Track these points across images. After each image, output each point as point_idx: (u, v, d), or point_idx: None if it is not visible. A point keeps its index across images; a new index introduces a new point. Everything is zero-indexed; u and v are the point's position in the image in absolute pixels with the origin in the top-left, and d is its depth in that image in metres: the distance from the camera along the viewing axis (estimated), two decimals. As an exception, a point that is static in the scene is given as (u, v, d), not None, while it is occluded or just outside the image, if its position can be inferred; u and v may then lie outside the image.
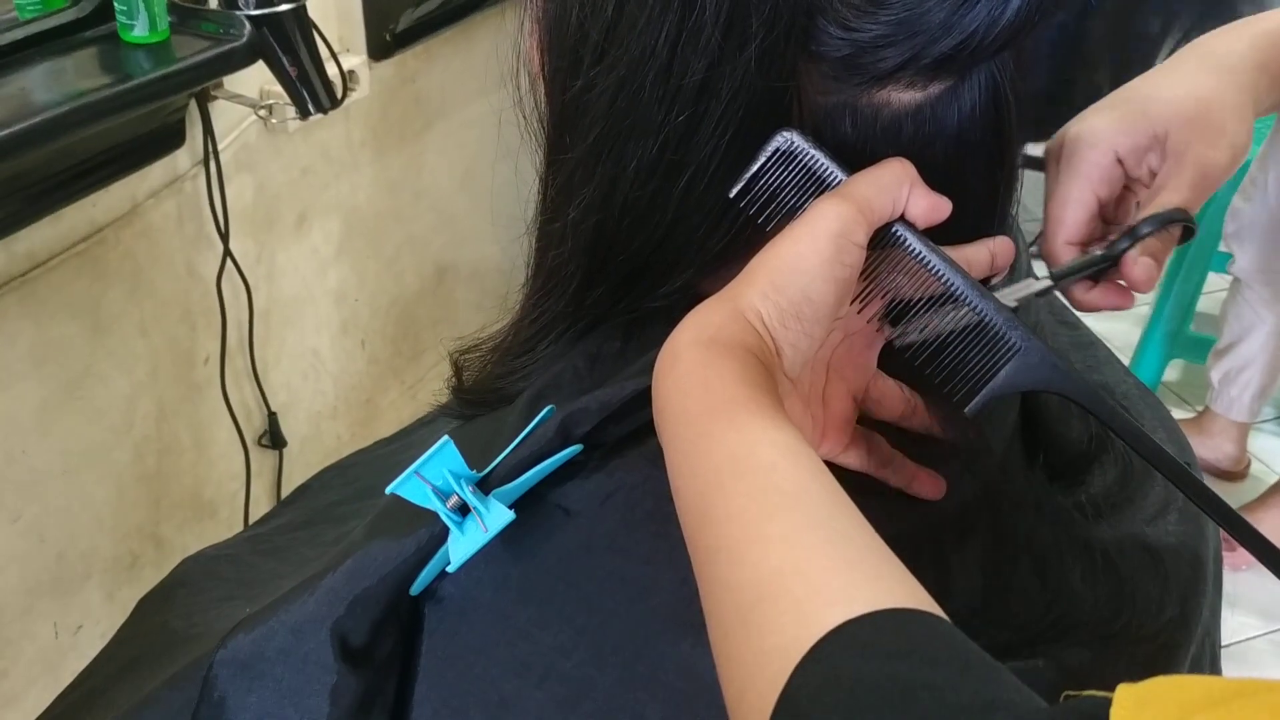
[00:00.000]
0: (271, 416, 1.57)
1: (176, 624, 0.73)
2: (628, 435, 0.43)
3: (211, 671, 0.47)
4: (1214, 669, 0.56)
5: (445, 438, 0.41)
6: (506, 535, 0.40)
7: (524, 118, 0.50)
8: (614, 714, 0.40)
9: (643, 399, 0.44)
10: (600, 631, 0.41)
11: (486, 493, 0.41)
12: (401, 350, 1.87)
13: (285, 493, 1.65)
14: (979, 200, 0.44)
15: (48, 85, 1.09)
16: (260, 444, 1.58)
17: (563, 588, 0.41)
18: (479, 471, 0.41)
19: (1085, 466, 0.54)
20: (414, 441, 0.89)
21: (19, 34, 1.09)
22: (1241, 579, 1.67)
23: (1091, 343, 0.62)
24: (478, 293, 2.03)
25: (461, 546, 0.39)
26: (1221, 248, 1.92)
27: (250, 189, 1.46)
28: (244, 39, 1.15)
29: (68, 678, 0.72)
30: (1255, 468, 2.10)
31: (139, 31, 1.12)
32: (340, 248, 1.65)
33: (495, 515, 0.39)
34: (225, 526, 1.56)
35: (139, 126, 1.21)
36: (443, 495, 0.40)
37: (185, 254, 1.38)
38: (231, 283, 1.42)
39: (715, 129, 0.41)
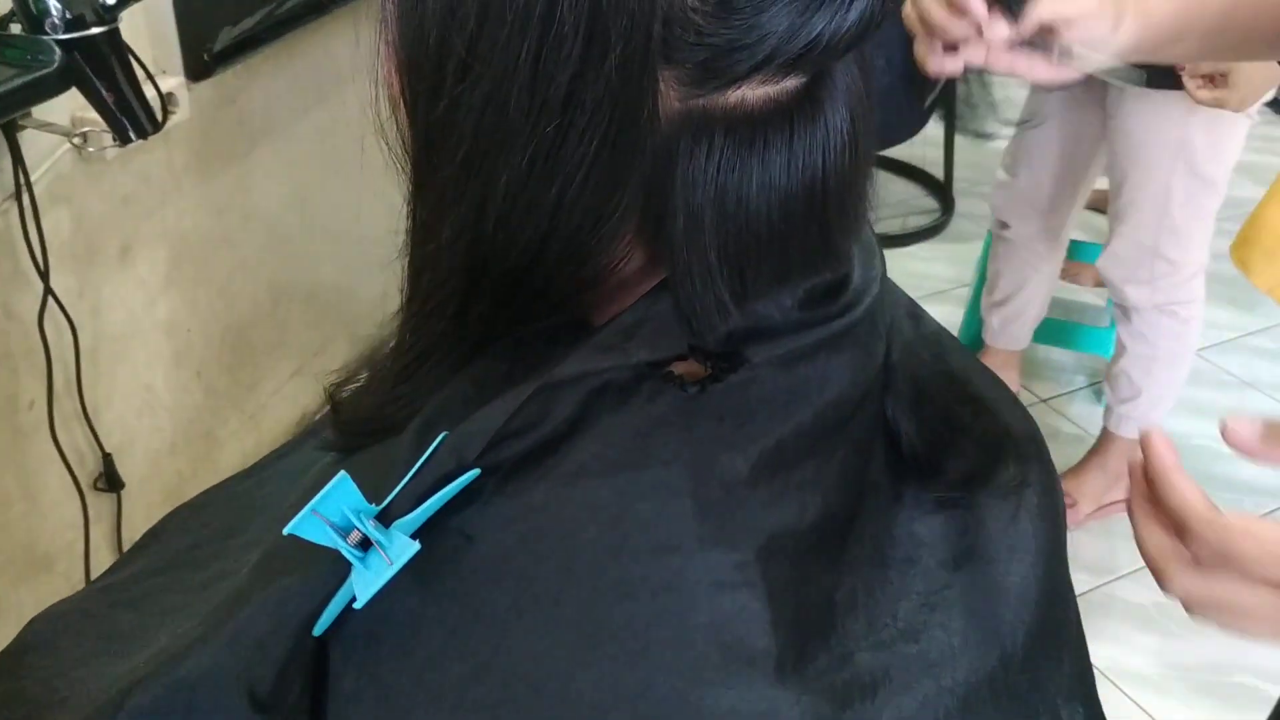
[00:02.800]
0: (106, 458, 1.50)
1: (34, 691, 0.69)
2: (524, 456, 0.43)
3: None
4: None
5: (342, 473, 0.41)
6: (408, 566, 0.40)
7: (386, 144, 0.49)
8: None
9: (531, 417, 0.44)
10: (508, 658, 0.41)
11: (386, 525, 0.40)
12: (240, 379, 1.80)
13: (127, 537, 1.57)
14: (840, 189, 0.46)
15: None
16: (96, 488, 1.50)
17: (468, 616, 0.41)
18: (376, 505, 0.41)
19: (935, 455, 0.56)
20: (268, 477, 0.86)
21: None
22: (1074, 538, 1.79)
23: (937, 333, 0.65)
24: (315, 313, 1.98)
25: (367, 581, 0.38)
26: (996, 217, 2.14)
27: (67, 221, 1.38)
28: (54, 65, 1.09)
29: (-96, 757, 0.68)
30: (1073, 430, 2.25)
31: (-64, 60, 1.05)
32: (168, 277, 1.59)
33: (399, 547, 0.39)
34: (64, 579, 1.47)
35: (-59, 161, 1.14)
36: (342, 531, 0.39)
37: (1, 294, 1.30)
38: (54, 321, 1.34)
39: (582, 138, 0.41)
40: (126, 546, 1.57)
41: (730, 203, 0.43)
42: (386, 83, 0.47)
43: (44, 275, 1.30)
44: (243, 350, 1.79)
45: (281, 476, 0.88)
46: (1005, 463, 0.57)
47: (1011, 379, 2.27)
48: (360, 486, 0.42)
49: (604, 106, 0.41)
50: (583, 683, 0.40)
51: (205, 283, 1.67)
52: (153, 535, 0.88)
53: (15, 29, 1.14)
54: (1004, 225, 2.12)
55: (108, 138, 1.35)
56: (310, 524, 0.39)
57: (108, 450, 1.49)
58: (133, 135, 1.22)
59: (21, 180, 1.24)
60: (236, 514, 0.85)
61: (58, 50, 1.10)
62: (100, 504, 1.51)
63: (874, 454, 0.54)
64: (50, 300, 1.32)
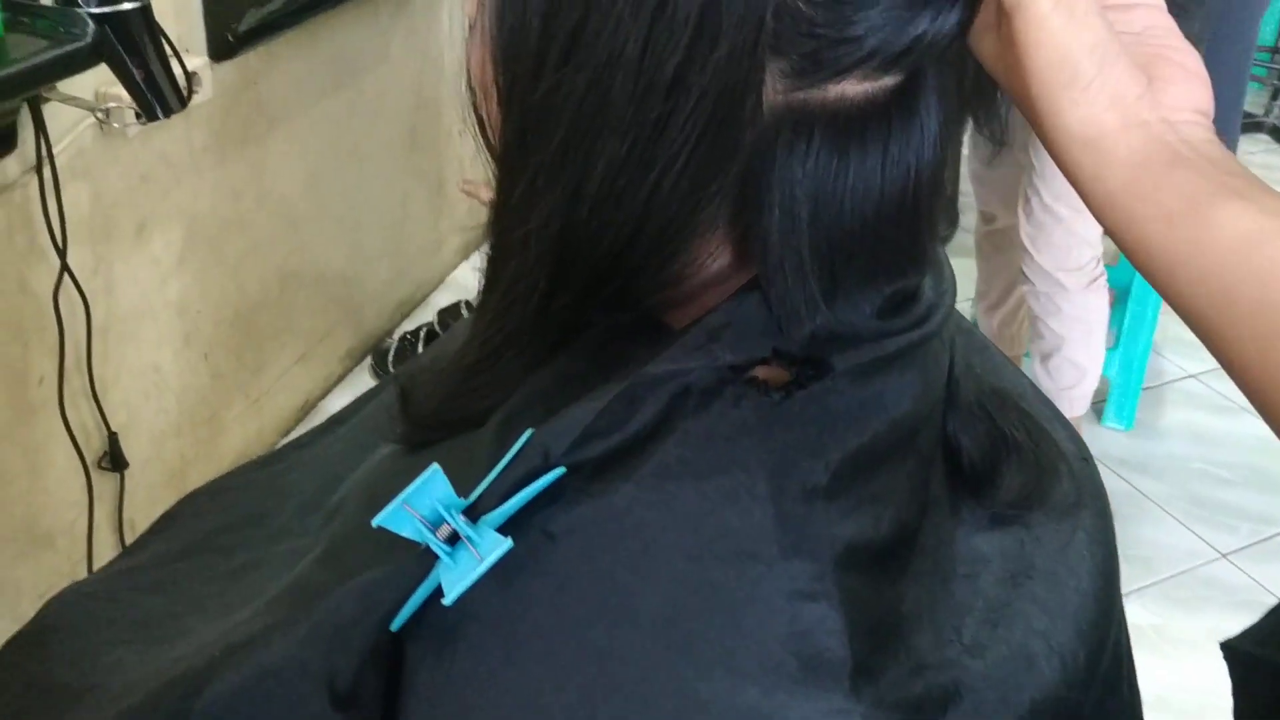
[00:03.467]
0: (112, 437, 1.48)
1: (64, 674, 0.68)
2: (608, 456, 0.43)
3: None
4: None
5: (434, 466, 0.40)
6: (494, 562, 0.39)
7: (475, 134, 0.48)
8: None
9: (616, 416, 0.43)
10: (588, 660, 0.40)
11: (474, 519, 0.40)
12: (245, 362, 1.79)
13: (128, 517, 1.56)
14: (930, 190, 0.46)
15: None
16: (100, 467, 1.49)
17: (548, 616, 0.40)
18: (463, 499, 0.40)
19: (993, 471, 0.56)
20: (289, 465, 0.86)
21: None
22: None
23: (985, 346, 0.65)
24: (321, 299, 1.98)
25: (455, 578, 0.38)
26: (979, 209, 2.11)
27: (86, 197, 1.37)
28: (87, 39, 1.08)
29: (-100, 734, 0.67)
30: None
31: (-32, 29, 1.04)
32: (181, 257, 1.57)
33: (489, 543, 0.38)
34: (65, 557, 1.46)
35: (-35, 132, 1.13)
36: (431, 525, 0.39)
37: (16, 268, 1.29)
38: (68, 297, 1.33)
39: (684, 126, 0.41)
40: (128, 527, 1.56)
41: (826, 199, 0.43)
42: (476, 69, 0.47)
43: (61, 251, 1.29)
44: (250, 334, 1.78)
45: (305, 466, 0.87)
46: (1059, 481, 0.57)
47: None
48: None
49: (709, 95, 0.40)
50: (662, 688, 0.40)
51: (217, 264, 1.66)
52: (168, 519, 0.87)
53: (46, 0, 1.13)
54: (989, 218, 2.10)
55: (131, 114, 1.34)
56: (400, 516, 0.39)
57: (114, 429, 1.48)
58: (160, 113, 1.21)
59: (45, 154, 1.23)
60: (259, 501, 0.84)
61: (90, 23, 1.09)
62: (103, 483, 1.49)
63: (935, 468, 0.53)
64: (65, 276, 1.31)
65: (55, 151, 1.25)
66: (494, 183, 0.47)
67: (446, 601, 0.38)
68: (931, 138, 0.45)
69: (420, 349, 2.11)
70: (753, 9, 0.39)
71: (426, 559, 0.40)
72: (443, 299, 2.32)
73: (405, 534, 0.39)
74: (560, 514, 0.42)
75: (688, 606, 0.41)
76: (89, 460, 1.44)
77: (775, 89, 0.42)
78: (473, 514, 0.40)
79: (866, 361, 0.47)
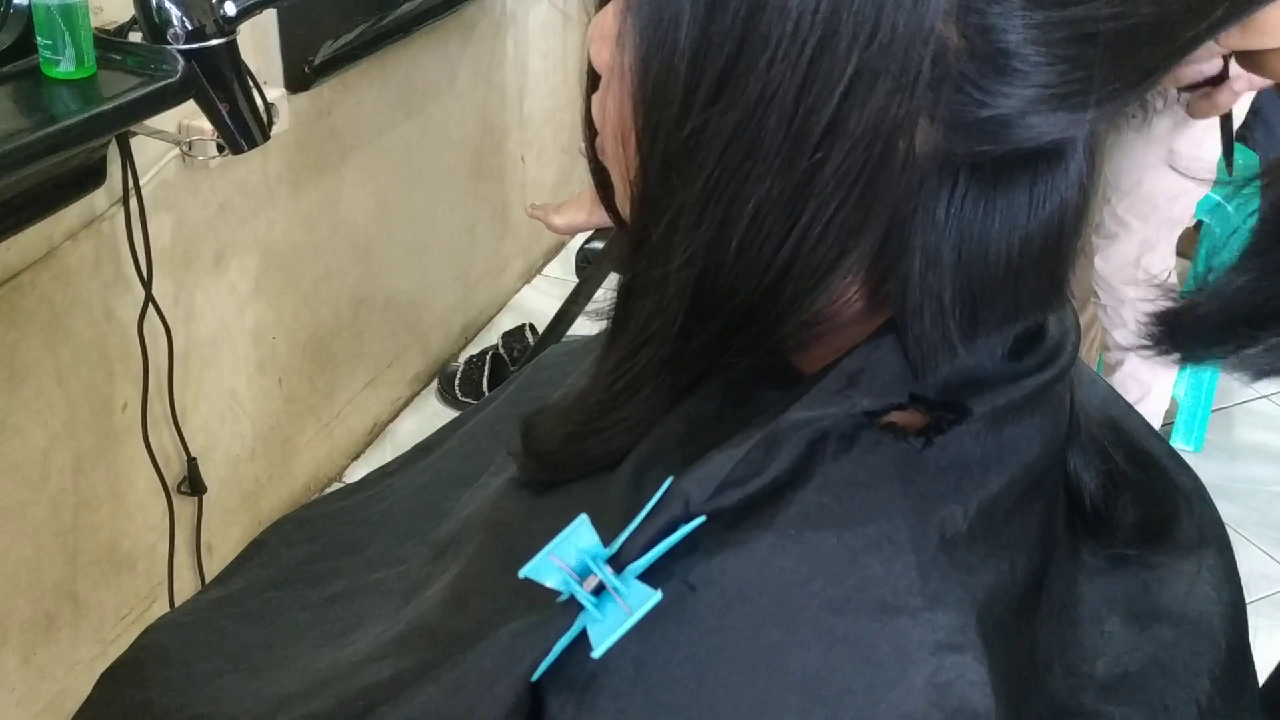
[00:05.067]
0: (191, 462, 1.51)
1: (164, 701, 0.69)
2: (747, 503, 0.43)
3: None
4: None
5: (582, 516, 0.40)
6: (635, 612, 0.40)
7: (590, 173, 0.48)
8: None
9: (754, 463, 0.43)
10: (733, 716, 0.40)
11: (618, 571, 0.40)
12: (318, 387, 1.82)
13: (205, 540, 1.58)
14: (1074, 229, 0.46)
15: (-37, 125, 1.02)
16: (180, 491, 1.51)
17: (690, 668, 0.40)
18: (605, 549, 0.40)
19: (1109, 509, 0.55)
20: (379, 494, 0.86)
21: (-69, 70, 1.02)
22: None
23: (1093, 378, 0.64)
24: (390, 324, 2.00)
25: (603, 630, 0.38)
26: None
27: (168, 227, 1.40)
28: (177, 75, 1.10)
29: (-16, 746, 0.68)
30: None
31: (65, 67, 1.06)
32: (258, 284, 1.60)
33: (637, 595, 0.38)
34: (145, 580, 1.48)
35: (58, 166, 1.15)
36: (578, 576, 0.39)
37: (103, 297, 1.32)
38: (151, 325, 1.36)
39: (837, 171, 0.40)
40: (205, 550, 1.58)
41: (970, 243, 0.42)
42: (612, 112, 0.46)
43: (146, 281, 1.31)
44: (323, 359, 1.81)
45: (395, 494, 0.87)
46: (1179, 519, 0.56)
47: None
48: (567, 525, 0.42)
49: (862, 143, 0.40)
50: None
51: (291, 291, 1.68)
52: (258, 546, 0.88)
53: (134, 37, 1.16)
54: None
55: (212, 146, 1.37)
56: (546, 567, 0.39)
57: (193, 454, 1.51)
58: (244, 145, 1.23)
59: (132, 187, 1.26)
60: (350, 530, 0.84)
61: (180, 60, 1.12)
62: (182, 507, 1.52)
63: (1058, 508, 0.53)
64: (150, 305, 1.33)
65: (141, 183, 1.27)
66: (630, 223, 0.47)
67: (595, 654, 0.38)
68: (1078, 175, 0.44)
69: (485, 373, 2.12)
70: (915, 60, 0.39)
71: (571, 609, 0.40)
72: (506, 322, 2.34)
73: (551, 584, 0.39)
74: (700, 563, 0.42)
75: (832, 660, 0.41)
76: (170, 484, 1.47)
77: (927, 138, 0.41)
78: (616, 563, 0.41)
79: (1001, 405, 0.46)
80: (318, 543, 0.84)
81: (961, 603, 0.43)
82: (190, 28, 1.15)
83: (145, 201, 1.29)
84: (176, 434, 1.47)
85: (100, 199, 1.27)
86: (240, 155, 1.30)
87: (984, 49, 0.38)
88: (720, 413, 0.47)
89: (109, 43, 1.12)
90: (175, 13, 1.14)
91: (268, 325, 1.64)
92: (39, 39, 1.06)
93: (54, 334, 1.26)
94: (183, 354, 1.45)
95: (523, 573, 0.39)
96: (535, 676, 0.41)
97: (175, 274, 1.43)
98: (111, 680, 0.75)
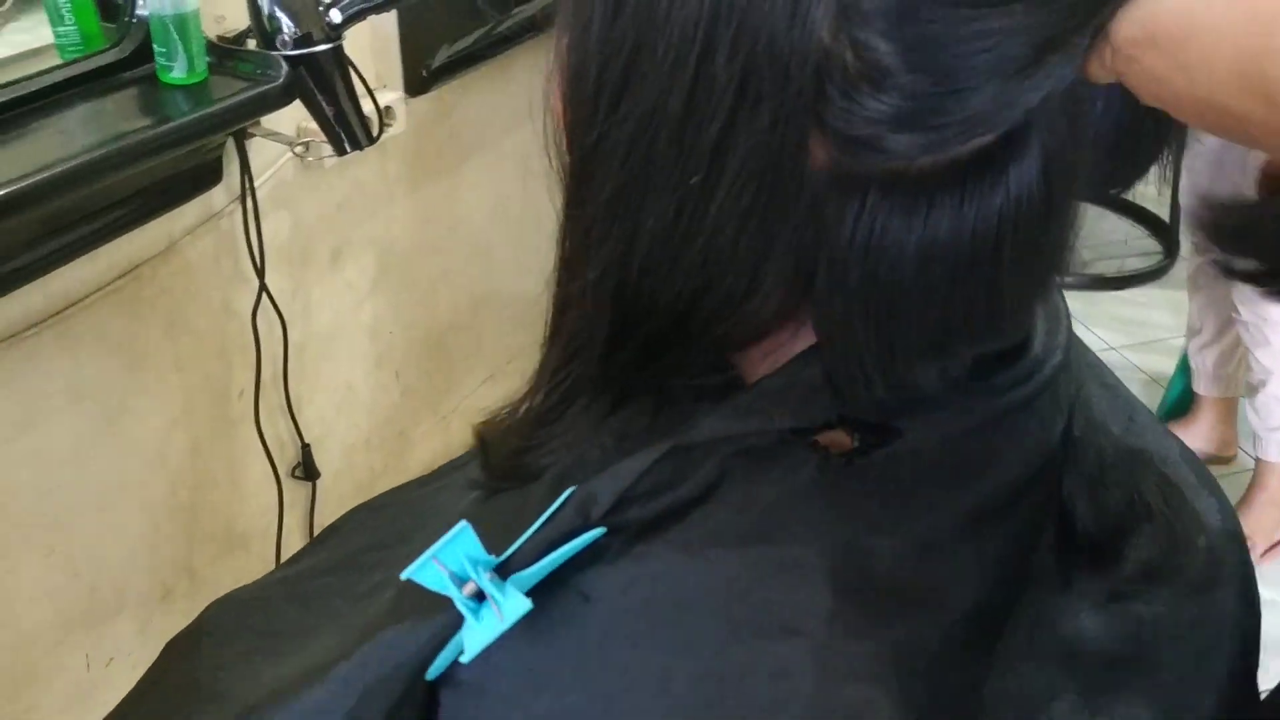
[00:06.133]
0: (305, 449, 1.58)
1: (202, 676, 0.72)
2: (654, 519, 0.42)
3: None
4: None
5: (463, 523, 0.41)
6: (524, 620, 0.40)
7: (552, 167, 0.48)
8: None
9: (665, 478, 0.43)
10: None
11: (505, 576, 0.40)
12: (435, 382, 1.87)
13: (318, 523, 1.65)
14: (1021, 251, 0.42)
15: (88, 126, 1.10)
16: (294, 476, 1.59)
17: (580, 678, 0.40)
18: (498, 555, 0.41)
19: (1117, 541, 0.52)
20: (444, 485, 0.88)
21: (59, 75, 1.10)
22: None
23: (1131, 403, 0.60)
24: (510, 323, 2.04)
25: (476, 636, 0.38)
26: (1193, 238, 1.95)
27: (286, 225, 1.47)
28: (280, 80, 1.16)
29: (98, 710, 0.72)
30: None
31: (177, 73, 1.13)
32: (375, 282, 1.66)
33: (512, 604, 0.39)
34: (258, 559, 1.56)
35: (177, 165, 1.22)
36: (459, 581, 0.40)
37: (221, 290, 1.39)
38: (267, 318, 1.43)
39: (731, 191, 0.39)
40: (317, 533, 1.65)
41: (879, 266, 0.40)
42: (554, 109, 0.47)
43: (261, 275, 1.38)
44: (440, 355, 1.86)
45: (455, 486, 0.89)
46: (1194, 557, 0.52)
47: (1228, 437, 2.08)
48: (490, 532, 0.42)
49: (753, 162, 0.38)
50: None
51: (409, 288, 1.74)
52: (332, 530, 0.91)
53: (251, 44, 1.22)
54: (1203, 248, 1.95)
55: (327, 147, 1.43)
56: (428, 571, 0.39)
57: (307, 441, 1.58)
58: (348, 148, 1.28)
59: (248, 186, 1.33)
60: (411, 519, 0.86)
61: (285, 65, 1.17)
62: (295, 491, 1.59)
63: (1043, 536, 0.50)
64: (264, 298, 1.40)
65: (257, 183, 1.34)
66: (558, 225, 0.47)
67: (464, 660, 0.39)
68: (1026, 195, 0.40)
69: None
70: (795, 74, 0.37)
71: (458, 613, 0.41)
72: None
73: (433, 587, 0.40)
74: (597, 576, 0.42)
75: (724, 681, 0.40)
76: (282, 470, 1.54)
77: (821, 155, 0.39)
78: (506, 570, 0.41)
79: (946, 426, 0.44)
80: (378, 532, 0.86)
81: (876, 633, 0.41)
82: (299, 34, 1.20)
83: (262, 200, 1.36)
84: (291, 421, 1.54)
85: (219, 197, 1.34)
86: (358, 156, 1.35)
87: (858, 63, 0.36)
88: (653, 426, 0.46)
89: (223, 50, 1.19)
90: (285, 21, 1.20)
91: (385, 321, 1.70)
92: (155, 47, 1.13)
93: (174, 324, 1.34)
94: (299, 346, 1.52)
95: (404, 575, 0.40)
96: (431, 675, 0.42)
97: (292, 270, 1.49)
98: (170, 651, 0.79)
